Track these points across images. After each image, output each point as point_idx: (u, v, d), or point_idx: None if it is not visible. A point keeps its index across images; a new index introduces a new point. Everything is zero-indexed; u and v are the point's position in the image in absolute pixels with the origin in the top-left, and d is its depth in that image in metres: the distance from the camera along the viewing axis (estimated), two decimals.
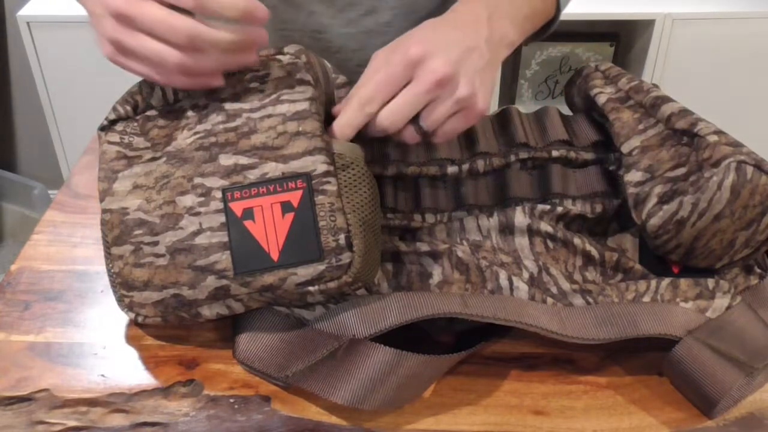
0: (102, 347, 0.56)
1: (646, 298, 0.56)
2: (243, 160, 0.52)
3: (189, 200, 0.51)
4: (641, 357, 0.56)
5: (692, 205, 0.55)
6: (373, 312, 0.53)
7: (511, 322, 0.52)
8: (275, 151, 0.52)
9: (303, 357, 0.52)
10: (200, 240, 0.50)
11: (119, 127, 0.57)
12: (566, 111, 0.71)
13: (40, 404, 0.51)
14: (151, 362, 0.55)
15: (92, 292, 0.61)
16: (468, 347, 0.54)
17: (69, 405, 0.52)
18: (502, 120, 0.68)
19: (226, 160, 0.52)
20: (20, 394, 0.52)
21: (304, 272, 0.50)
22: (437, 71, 0.53)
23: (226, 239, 0.50)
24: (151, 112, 0.57)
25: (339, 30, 0.73)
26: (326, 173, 0.51)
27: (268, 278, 0.50)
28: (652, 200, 0.57)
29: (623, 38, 1.75)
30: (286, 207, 0.50)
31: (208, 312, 0.52)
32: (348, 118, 0.55)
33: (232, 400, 0.52)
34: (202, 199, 0.51)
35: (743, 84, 1.68)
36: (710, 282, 0.57)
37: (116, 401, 0.52)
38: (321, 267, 0.50)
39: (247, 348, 0.54)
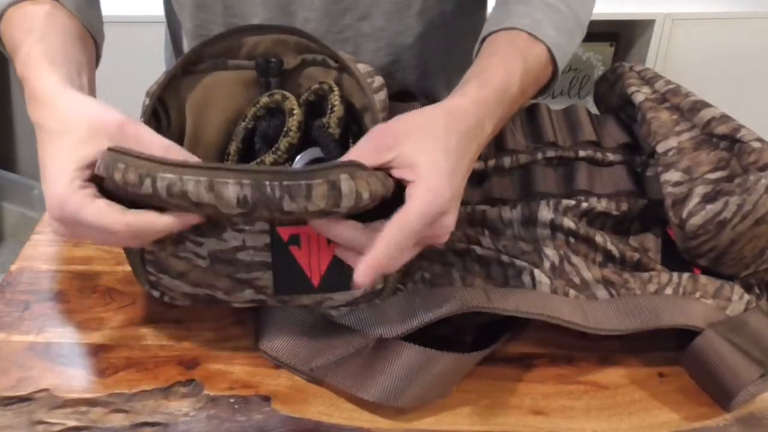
0: (102, 347, 0.56)
1: (668, 290, 0.56)
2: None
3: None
4: (641, 357, 0.56)
5: (737, 206, 0.55)
6: (399, 311, 0.54)
7: (534, 315, 0.53)
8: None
9: (328, 352, 0.53)
10: (242, 256, 0.51)
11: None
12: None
13: (40, 404, 0.51)
14: (151, 362, 0.55)
15: (92, 292, 0.61)
16: (486, 342, 0.55)
17: (69, 405, 0.51)
18: (531, 115, 0.68)
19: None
20: (20, 394, 0.52)
21: (340, 297, 0.53)
22: (450, 228, 0.49)
23: (269, 260, 0.51)
24: None
25: (334, 36, 0.73)
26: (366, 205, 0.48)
27: (305, 300, 0.53)
28: (695, 199, 0.57)
29: (623, 38, 1.75)
30: None
31: (238, 305, 0.55)
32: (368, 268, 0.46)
33: (232, 400, 0.52)
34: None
35: (743, 84, 1.68)
36: (728, 282, 0.58)
37: (116, 401, 0.52)
38: (357, 293, 0.53)
39: (271, 339, 0.54)
